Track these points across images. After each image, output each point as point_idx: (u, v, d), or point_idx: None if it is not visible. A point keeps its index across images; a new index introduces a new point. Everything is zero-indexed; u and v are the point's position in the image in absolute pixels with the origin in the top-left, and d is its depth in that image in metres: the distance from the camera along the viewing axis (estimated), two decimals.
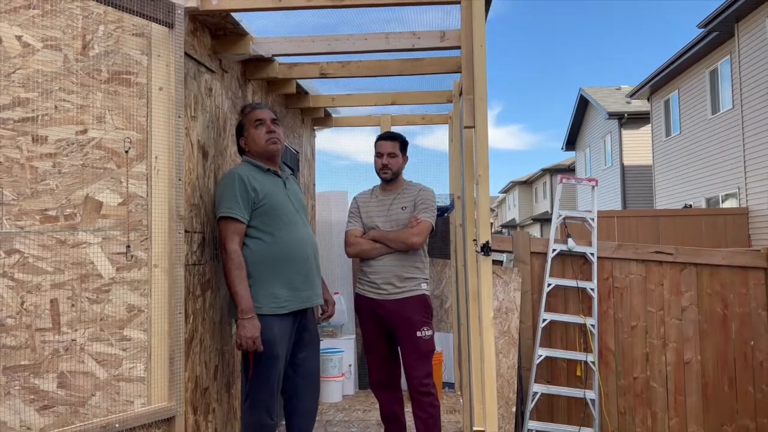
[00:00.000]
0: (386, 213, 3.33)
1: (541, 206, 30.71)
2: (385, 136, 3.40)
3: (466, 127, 2.26)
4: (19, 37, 2.08)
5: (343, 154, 5.64)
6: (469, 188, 2.57)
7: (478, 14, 2.19)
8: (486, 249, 2.11)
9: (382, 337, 3.30)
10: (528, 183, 34.33)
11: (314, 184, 5.25)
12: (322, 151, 5.58)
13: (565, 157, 28.64)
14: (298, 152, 4.59)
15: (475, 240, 2.22)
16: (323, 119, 4.99)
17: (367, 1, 2.39)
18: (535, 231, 29.29)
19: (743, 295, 5.11)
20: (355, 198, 3.49)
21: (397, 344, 3.30)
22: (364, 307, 3.31)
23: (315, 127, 5.22)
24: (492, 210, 45.89)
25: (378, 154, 3.35)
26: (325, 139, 5.57)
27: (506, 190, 39.70)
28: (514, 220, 35.76)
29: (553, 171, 28.24)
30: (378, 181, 3.47)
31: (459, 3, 2.29)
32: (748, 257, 5.18)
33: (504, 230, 35.64)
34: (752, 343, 5.09)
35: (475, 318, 2.34)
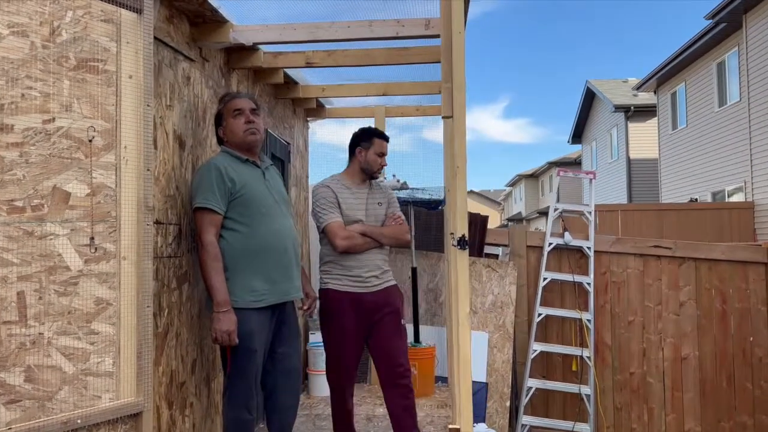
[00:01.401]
0: (365, 207, 3.28)
1: (548, 200, 30.54)
2: (386, 137, 3.36)
3: (443, 117, 2.19)
4: None
5: (343, 146, 5.61)
6: (451, 180, 2.51)
7: (456, 0, 2.12)
8: (462, 242, 2.05)
9: (361, 332, 3.22)
10: (534, 176, 34.16)
11: (307, 176, 5.20)
12: (326, 144, 5.54)
13: (572, 151, 28.46)
14: (288, 143, 4.53)
15: (452, 233, 2.16)
16: (316, 110, 4.93)
17: None
18: (541, 224, 29.14)
19: (743, 290, 5.03)
20: (327, 186, 3.24)
21: (373, 336, 3.23)
22: (345, 302, 3.17)
23: (308, 119, 5.16)
24: (498, 203, 45.82)
25: (380, 154, 3.30)
26: (329, 131, 5.53)
27: (512, 184, 39.53)
28: (520, 213, 35.62)
29: (559, 164, 28.06)
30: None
31: None
32: (748, 252, 5.09)
33: (510, 224, 35.51)
34: (752, 339, 5.00)
35: (455, 312, 2.28)
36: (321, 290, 3.23)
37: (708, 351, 5.01)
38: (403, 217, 3.35)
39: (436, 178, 5.31)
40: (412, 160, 5.69)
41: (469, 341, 2.09)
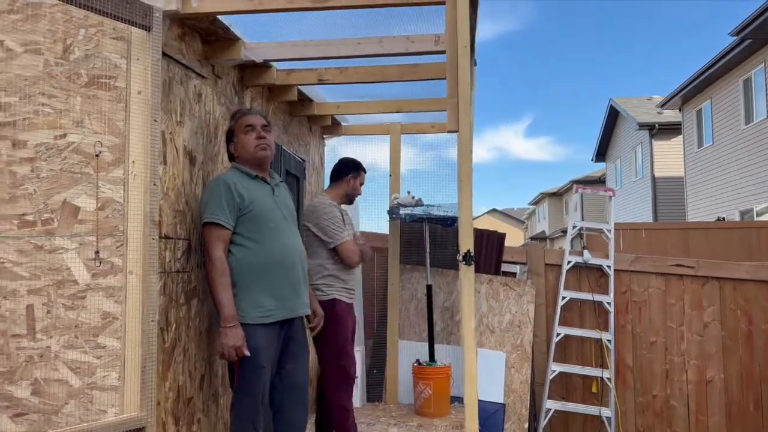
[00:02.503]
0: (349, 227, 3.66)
1: (572, 218, 30.17)
2: (365, 171, 3.89)
3: (448, 131, 2.18)
4: (0, 42, 2.07)
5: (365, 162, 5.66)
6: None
7: (462, 15, 2.11)
8: (468, 258, 2.02)
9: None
10: (558, 195, 33.85)
11: (323, 193, 5.20)
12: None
13: (595, 169, 28.16)
14: (304, 160, 4.55)
15: (457, 249, 2.13)
16: (331, 127, 4.95)
17: (351, 3, 2.33)
18: (565, 243, 28.78)
19: None
20: (335, 206, 3.60)
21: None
22: (348, 312, 3.52)
23: (324, 136, 5.18)
24: (522, 222, 45.43)
25: (361, 183, 3.83)
26: (351, 150, 5.55)
27: (536, 202, 39.20)
28: (543, 232, 35.25)
29: (583, 183, 27.78)
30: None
31: (444, 3, 2.22)
32: None
33: (533, 242, 35.15)
34: None
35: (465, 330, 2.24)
36: (327, 300, 3.41)
37: (734, 373, 4.86)
38: None
39: (448, 196, 5.29)
40: (427, 178, 5.68)
41: (475, 361, 2.04)
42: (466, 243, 2.05)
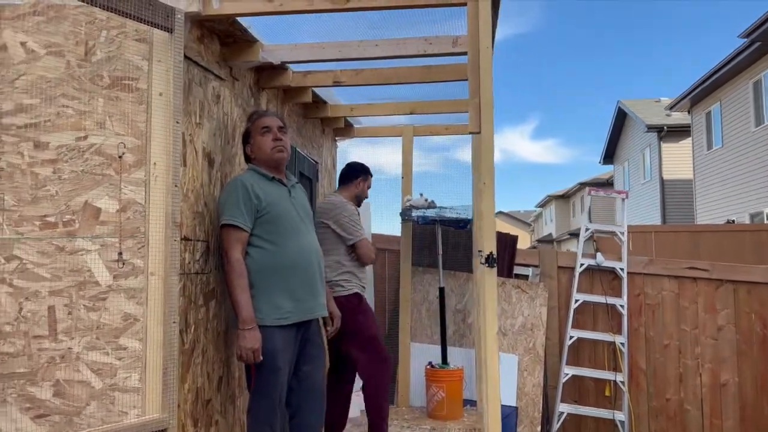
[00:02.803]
0: None
1: (579, 221, 30.12)
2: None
3: (470, 133, 2.17)
4: (23, 44, 2.08)
5: (374, 166, 5.66)
6: (479, 198, 2.47)
7: (484, 15, 2.11)
8: (490, 260, 2.01)
9: None
10: (565, 197, 33.75)
11: None
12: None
13: (603, 171, 28.08)
14: (317, 162, 4.55)
15: (480, 251, 2.12)
16: (344, 129, 4.95)
17: (371, 4, 2.33)
18: (572, 246, 28.70)
19: None
20: (353, 205, 3.72)
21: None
22: (368, 304, 3.74)
23: (336, 138, 5.18)
24: (528, 224, 45.29)
25: (369, 187, 3.95)
26: (362, 152, 5.55)
27: (543, 205, 39.10)
28: (550, 234, 35.16)
29: (590, 185, 27.69)
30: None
31: (465, 5, 2.21)
32: None
33: (540, 245, 35.05)
34: None
35: (483, 332, 2.23)
36: (350, 294, 3.57)
37: (748, 377, 4.82)
38: None
39: (460, 198, 5.28)
40: (431, 180, 5.67)
41: (497, 364, 2.03)
42: (489, 245, 2.04)
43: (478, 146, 2.29)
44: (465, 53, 2.73)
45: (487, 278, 2.07)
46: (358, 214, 3.74)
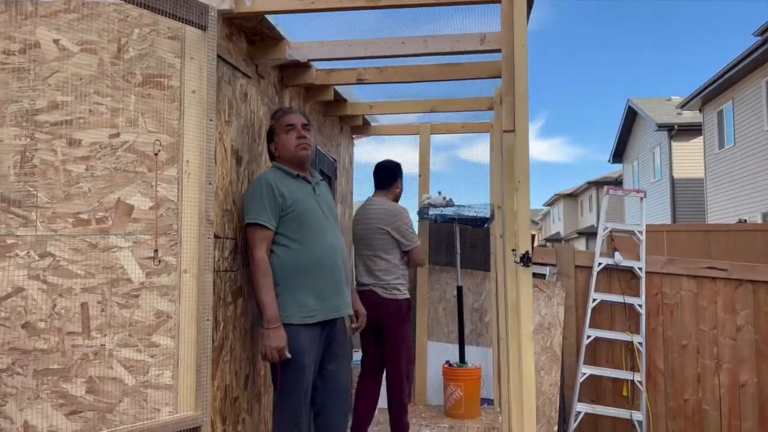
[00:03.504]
0: None
1: (587, 220, 30.02)
2: None
3: (505, 131, 2.16)
4: (56, 41, 2.08)
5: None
6: (510, 197, 2.46)
7: (519, 12, 2.09)
8: (525, 260, 2.00)
9: None
10: (573, 196, 33.65)
11: (352, 193, 5.20)
12: (366, 164, 5.54)
13: (612, 170, 27.98)
14: (335, 160, 4.55)
15: (513, 250, 2.11)
16: (361, 127, 4.94)
17: (403, 2, 2.32)
18: (580, 245, 28.62)
19: None
20: (408, 213, 3.87)
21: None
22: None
23: (354, 136, 5.18)
24: (536, 223, 45.20)
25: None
26: (370, 151, 5.54)
27: (551, 203, 39.00)
28: (558, 233, 35.06)
29: (599, 184, 27.60)
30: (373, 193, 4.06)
31: (500, 2, 2.20)
32: None
33: (548, 244, 34.97)
34: None
35: (514, 332, 2.22)
36: (403, 299, 3.72)
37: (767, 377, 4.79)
38: None
39: (476, 197, 5.26)
40: (450, 179, 5.67)
41: (532, 362, 2.02)
42: (524, 244, 2.03)
43: (511, 145, 2.28)
44: (493, 51, 2.73)
45: (521, 277, 2.06)
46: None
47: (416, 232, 3.83)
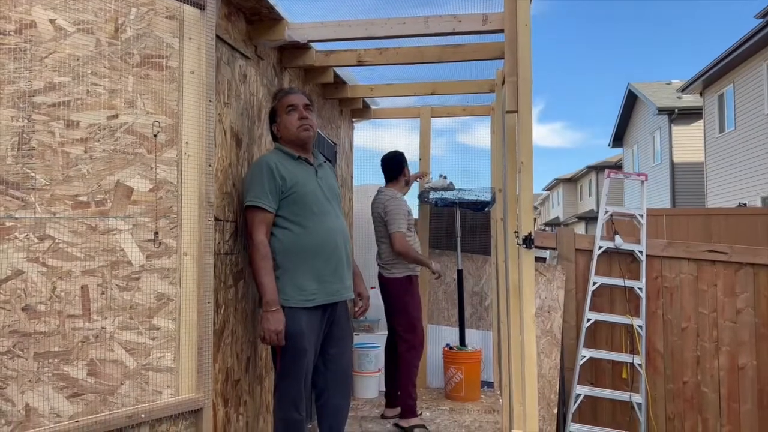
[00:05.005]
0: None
1: (587, 204, 30.02)
2: None
3: (508, 112, 2.13)
4: (52, 21, 2.05)
5: (384, 150, 5.64)
6: (511, 179, 2.44)
7: None
8: (528, 242, 1.98)
9: None
10: (573, 180, 33.62)
11: (352, 177, 5.18)
12: (365, 148, 5.51)
13: (611, 155, 27.93)
14: (335, 144, 4.52)
15: (516, 232, 2.10)
16: (361, 111, 4.90)
17: None
18: (579, 230, 28.66)
19: None
20: (405, 202, 4.14)
21: None
22: (418, 285, 4.22)
23: (353, 119, 5.14)
24: (535, 208, 45.10)
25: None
26: (368, 136, 5.52)
27: (550, 188, 38.97)
28: (558, 218, 35.08)
29: (599, 168, 27.56)
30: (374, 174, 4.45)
31: None
32: None
33: (547, 228, 34.98)
34: None
35: (515, 315, 2.21)
36: (400, 278, 4.03)
37: (767, 360, 4.80)
38: None
39: (476, 180, 5.25)
40: (450, 164, 5.64)
41: (534, 344, 2.02)
42: (527, 226, 2.02)
43: (514, 125, 2.26)
44: (495, 31, 2.69)
45: (524, 259, 2.05)
46: (410, 212, 4.12)
47: (403, 219, 4.01)
